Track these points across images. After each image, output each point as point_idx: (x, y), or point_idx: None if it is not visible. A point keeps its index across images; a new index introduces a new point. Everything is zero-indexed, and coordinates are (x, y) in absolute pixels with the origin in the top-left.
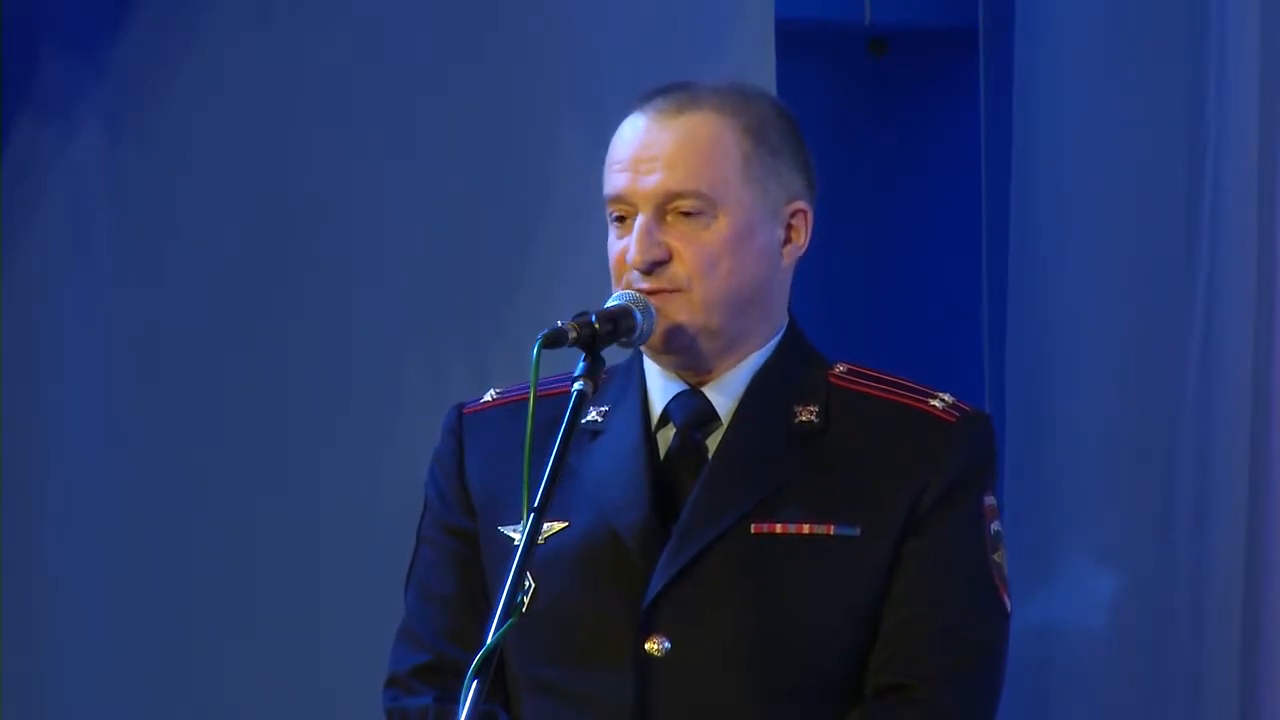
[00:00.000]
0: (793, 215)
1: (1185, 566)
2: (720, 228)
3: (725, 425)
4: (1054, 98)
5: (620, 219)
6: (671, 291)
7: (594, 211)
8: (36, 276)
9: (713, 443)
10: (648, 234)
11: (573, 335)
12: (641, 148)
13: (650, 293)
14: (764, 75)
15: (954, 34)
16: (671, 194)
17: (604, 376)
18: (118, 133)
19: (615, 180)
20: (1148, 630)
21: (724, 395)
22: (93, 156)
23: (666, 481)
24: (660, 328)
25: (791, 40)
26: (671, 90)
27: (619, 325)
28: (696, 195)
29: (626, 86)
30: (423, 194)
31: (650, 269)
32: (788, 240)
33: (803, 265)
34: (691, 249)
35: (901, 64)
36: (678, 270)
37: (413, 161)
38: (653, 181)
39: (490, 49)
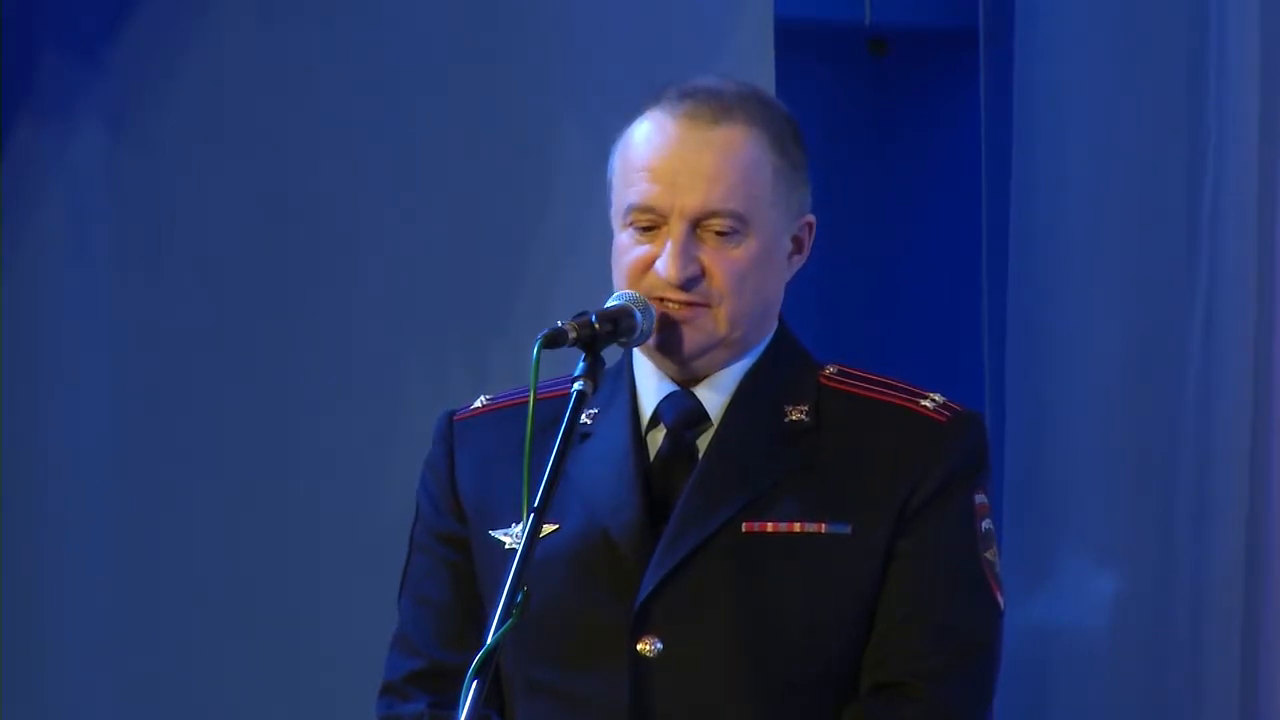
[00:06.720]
0: (801, 228)
1: (1185, 566)
2: (750, 245)
3: (716, 425)
4: (1054, 98)
5: (645, 228)
6: (702, 306)
7: (594, 212)
8: (36, 276)
9: (703, 443)
10: (685, 251)
11: (572, 335)
12: (679, 160)
13: (682, 304)
14: (764, 75)
15: (954, 34)
16: (710, 212)
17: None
18: (118, 133)
19: (645, 189)
20: (1148, 630)
21: (715, 395)
22: (93, 156)
23: (658, 482)
24: (687, 340)
25: (791, 40)
26: (699, 96)
27: (619, 325)
28: (734, 215)
29: (626, 86)
30: (423, 194)
31: (687, 285)
32: (795, 251)
33: (802, 266)
34: (722, 266)
35: (901, 64)
36: (709, 287)
37: (413, 161)
38: (693, 199)
39: (491, 49)
